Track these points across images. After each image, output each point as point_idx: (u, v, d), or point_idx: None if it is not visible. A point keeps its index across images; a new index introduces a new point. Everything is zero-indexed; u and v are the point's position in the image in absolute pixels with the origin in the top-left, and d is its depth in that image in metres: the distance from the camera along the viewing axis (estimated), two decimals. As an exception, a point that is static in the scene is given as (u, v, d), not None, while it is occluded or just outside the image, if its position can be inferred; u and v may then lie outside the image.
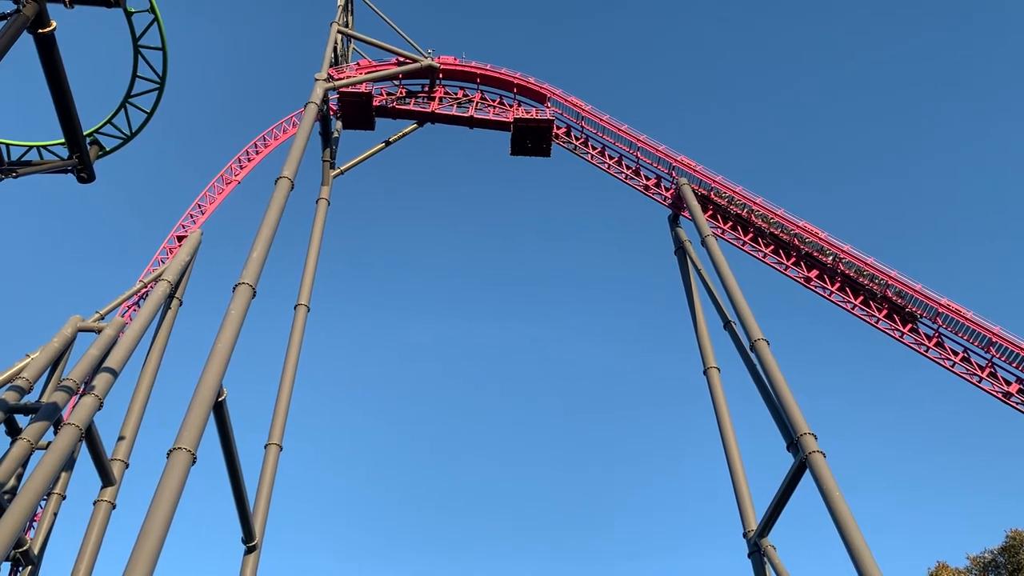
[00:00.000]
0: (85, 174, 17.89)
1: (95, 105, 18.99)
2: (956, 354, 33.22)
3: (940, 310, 33.27)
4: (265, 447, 30.40)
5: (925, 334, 33.95)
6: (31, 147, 18.83)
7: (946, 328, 33.38)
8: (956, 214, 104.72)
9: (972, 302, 34.77)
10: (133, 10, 17.15)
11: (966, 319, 32.78)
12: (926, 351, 33.77)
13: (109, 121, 19.37)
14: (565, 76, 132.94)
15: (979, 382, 32.57)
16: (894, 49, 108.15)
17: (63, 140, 17.32)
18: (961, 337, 33.11)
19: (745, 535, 29.77)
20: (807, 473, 24.94)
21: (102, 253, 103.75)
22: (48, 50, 14.83)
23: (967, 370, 32.89)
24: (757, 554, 28.66)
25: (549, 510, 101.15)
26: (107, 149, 19.61)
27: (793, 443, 26.20)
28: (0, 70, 13.19)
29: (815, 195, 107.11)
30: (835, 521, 22.80)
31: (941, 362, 33.41)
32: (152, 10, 17.23)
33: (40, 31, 14.44)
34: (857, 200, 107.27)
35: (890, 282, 34.44)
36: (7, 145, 17.97)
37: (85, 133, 17.70)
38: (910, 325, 34.30)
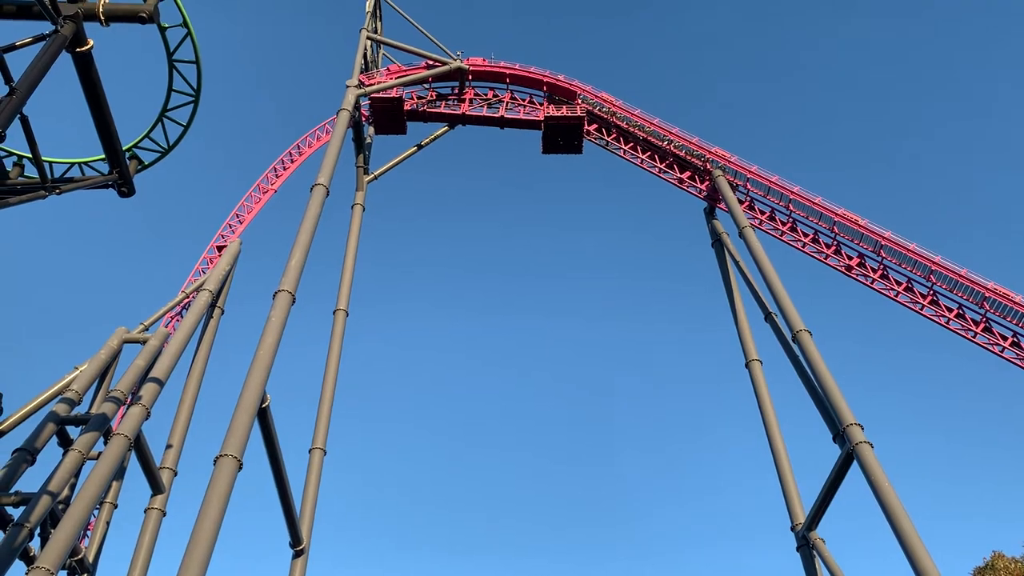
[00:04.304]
0: (126, 188, 18.18)
1: (133, 120, 19.26)
2: (1005, 339, 32.39)
3: (987, 295, 32.47)
4: (309, 451, 30.74)
5: (972, 319, 33.16)
6: (73, 164, 19.16)
7: (994, 312, 32.56)
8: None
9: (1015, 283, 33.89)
10: (167, 25, 17.36)
11: (1015, 303, 31.96)
12: (974, 336, 32.99)
13: (147, 135, 19.62)
14: (596, 71, 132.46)
15: (1030, 367, 31.75)
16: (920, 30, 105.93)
17: (103, 156, 17.61)
18: (1009, 321, 32.28)
19: (793, 528, 29.42)
20: (855, 464, 24.58)
21: (144, 265, 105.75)
22: (86, 68, 15.11)
23: (1017, 355, 32.07)
24: (806, 547, 28.30)
25: (583, 508, 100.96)
26: (146, 163, 19.86)
27: (839, 434, 25.83)
28: (41, 89, 13.44)
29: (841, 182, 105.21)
30: (885, 512, 22.44)
31: (990, 347, 32.60)
32: (185, 24, 17.43)
33: (78, 50, 14.71)
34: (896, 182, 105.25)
35: (933, 268, 33.74)
36: (50, 163, 18.30)
37: (124, 148, 17.98)
38: (956, 311, 33.57)
